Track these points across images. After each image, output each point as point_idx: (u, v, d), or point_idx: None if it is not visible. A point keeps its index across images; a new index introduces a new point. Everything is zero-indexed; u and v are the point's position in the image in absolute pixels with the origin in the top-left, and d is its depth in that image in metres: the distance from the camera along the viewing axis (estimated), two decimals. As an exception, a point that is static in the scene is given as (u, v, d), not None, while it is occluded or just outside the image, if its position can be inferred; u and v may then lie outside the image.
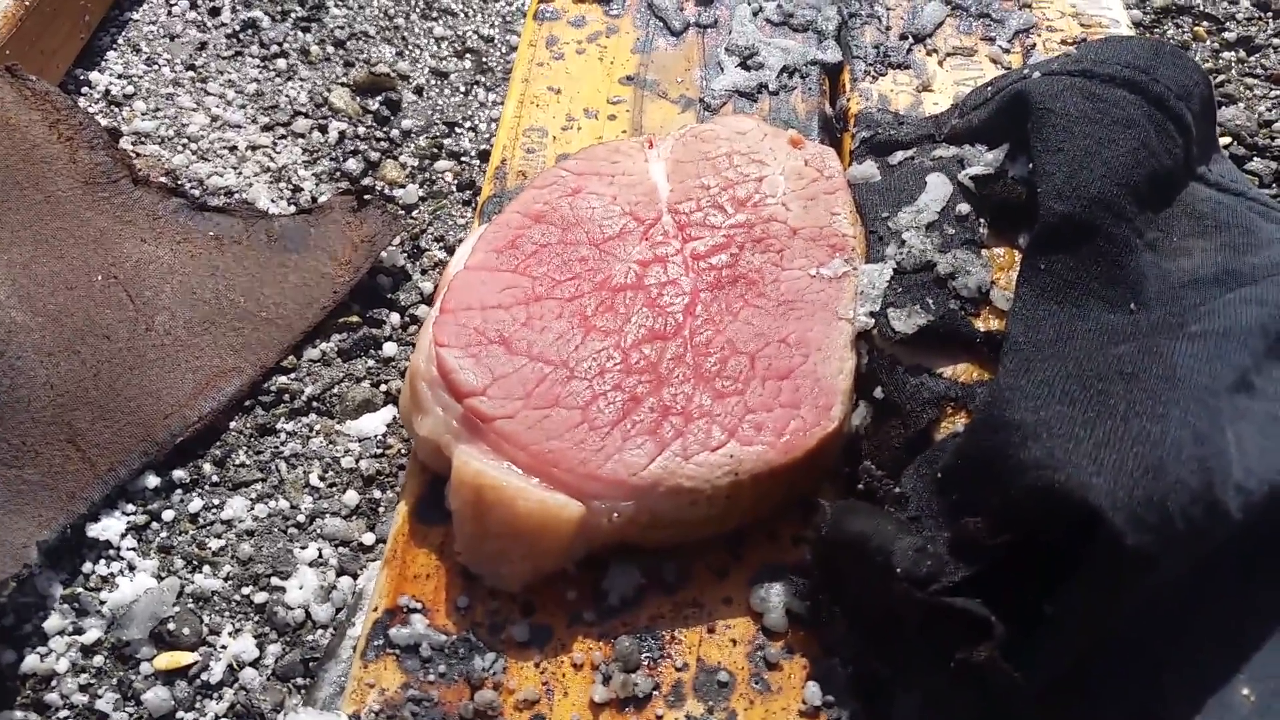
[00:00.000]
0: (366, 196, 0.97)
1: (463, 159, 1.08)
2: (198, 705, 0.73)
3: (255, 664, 0.74)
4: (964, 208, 0.75)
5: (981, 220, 0.74)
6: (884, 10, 1.01)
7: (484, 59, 1.19)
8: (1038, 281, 0.69)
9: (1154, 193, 0.73)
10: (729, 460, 0.63)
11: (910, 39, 0.97)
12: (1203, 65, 1.18)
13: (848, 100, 0.94)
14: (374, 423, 0.87)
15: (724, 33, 1.00)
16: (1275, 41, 1.24)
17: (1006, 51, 0.96)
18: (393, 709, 0.60)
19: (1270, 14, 1.27)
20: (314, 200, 1.03)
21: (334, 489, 0.84)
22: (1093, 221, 0.69)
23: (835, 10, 1.00)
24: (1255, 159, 1.12)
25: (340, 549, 0.80)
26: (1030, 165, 0.73)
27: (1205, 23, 1.27)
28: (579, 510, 0.62)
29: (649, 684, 0.61)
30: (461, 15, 1.24)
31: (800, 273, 0.73)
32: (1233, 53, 1.23)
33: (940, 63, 0.96)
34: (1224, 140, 1.12)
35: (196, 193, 1.03)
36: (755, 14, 1.01)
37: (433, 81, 1.17)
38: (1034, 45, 0.97)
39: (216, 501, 0.83)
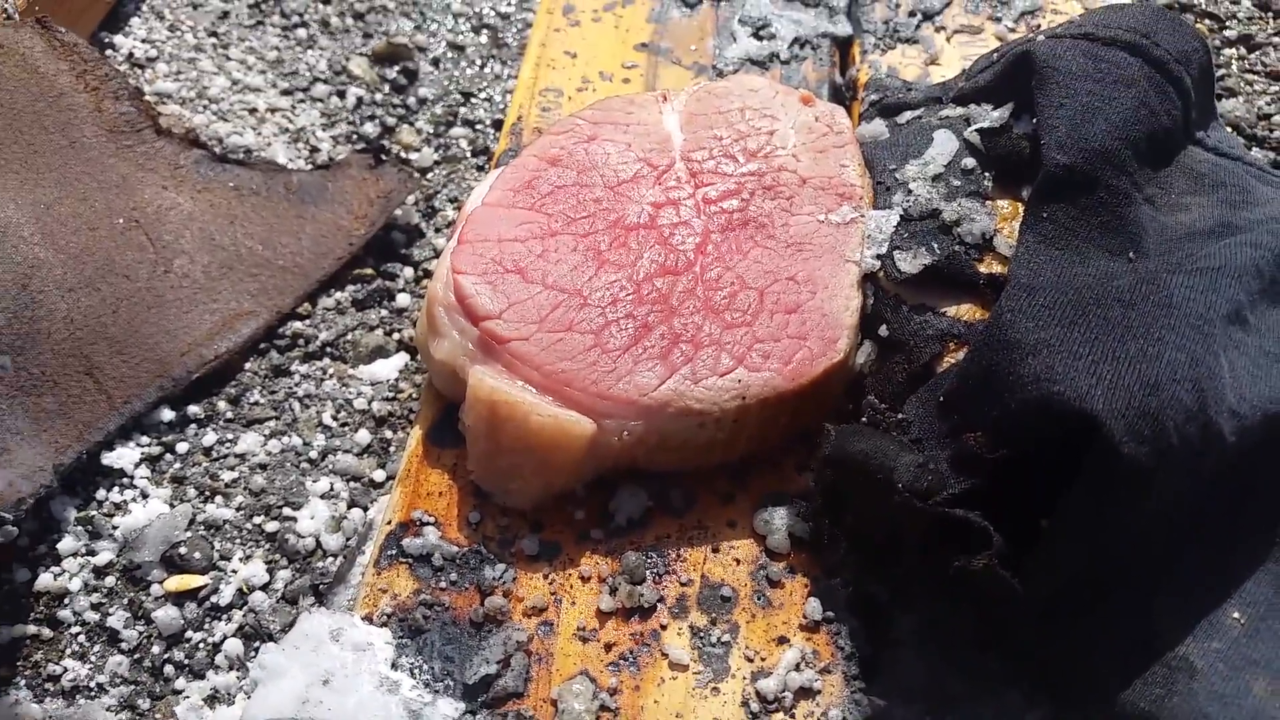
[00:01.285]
0: (383, 156, 0.99)
1: (477, 126, 1.10)
2: (206, 626, 0.74)
3: (265, 588, 0.76)
4: (969, 162, 0.77)
5: (987, 174, 0.76)
6: (894, -12, 1.03)
7: (500, 35, 1.21)
8: (1040, 229, 0.71)
9: (1153, 151, 0.75)
10: (737, 385, 0.65)
11: (919, 15, 1.00)
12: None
13: (857, 71, 0.96)
14: (386, 368, 0.89)
15: (737, 6, 1.02)
16: (1275, 40, 1.27)
17: (1012, 31, 0.99)
18: (404, 612, 0.61)
19: (1270, 13, 1.30)
20: (331, 159, 1.05)
21: (346, 428, 0.85)
22: (1094, 173, 0.71)
23: (846, -14, 1.03)
24: (1254, 149, 1.14)
25: (351, 484, 0.81)
26: (1034, 121, 0.75)
27: (1207, 20, 1.29)
28: (590, 427, 0.63)
29: (654, 595, 0.62)
30: (479, -9, 1.27)
31: (809, 218, 0.75)
32: (1233, 50, 1.26)
33: (948, 39, 0.98)
34: (1228, 128, 1.14)
35: (217, 149, 1.05)
36: (768, -11, 1.03)
37: (449, 54, 1.19)
38: (1039, 26, 0.99)
39: (230, 436, 0.84)
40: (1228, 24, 1.27)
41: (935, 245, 0.71)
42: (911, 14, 1.00)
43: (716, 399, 0.64)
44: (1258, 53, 1.24)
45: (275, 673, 0.58)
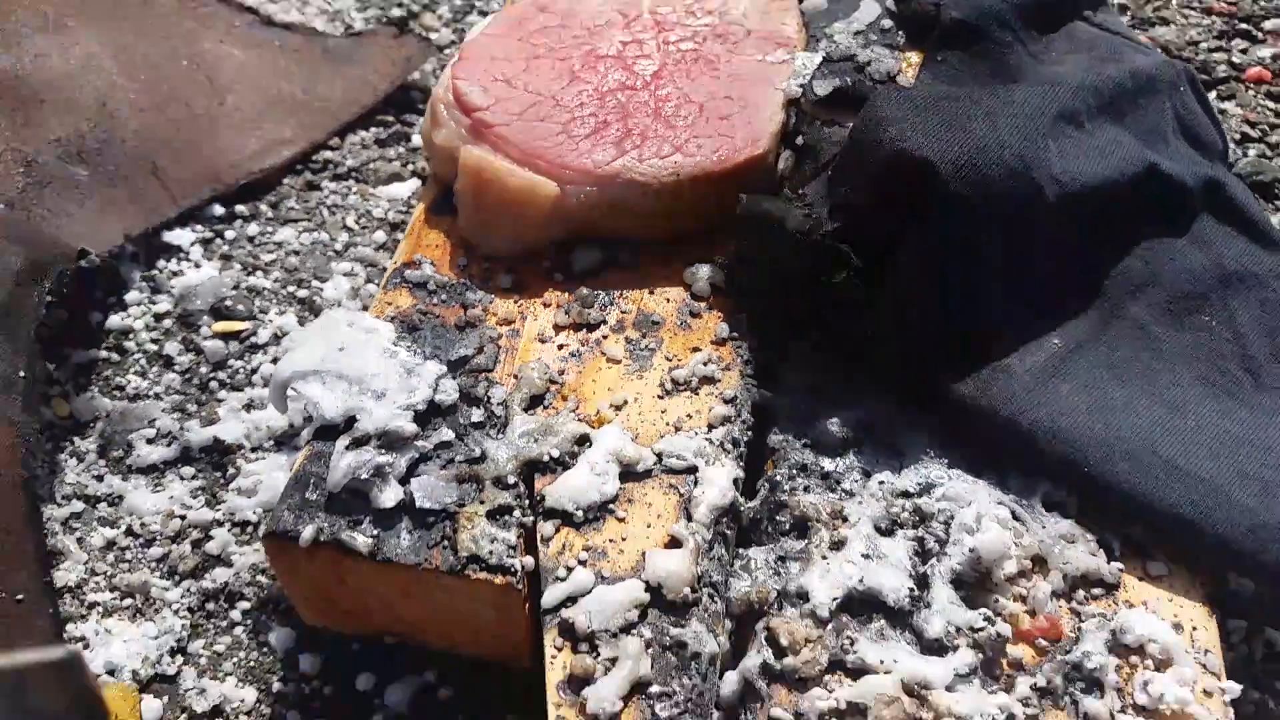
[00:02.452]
0: (406, 28, 1.18)
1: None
2: (245, 357, 0.92)
3: (300, 332, 0.93)
4: (887, 23, 0.95)
5: (900, 33, 0.94)
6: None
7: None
8: (934, 69, 0.89)
9: (1040, 17, 0.93)
10: (673, 164, 0.83)
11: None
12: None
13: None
14: (401, 189, 1.07)
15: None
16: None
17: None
18: (404, 316, 0.79)
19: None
20: (362, 31, 1.23)
21: (365, 230, 1.03)
22: (983, 26, 0.89)
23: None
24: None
25: (369, 268, 0.99)
26: (939, -12, 0.93)
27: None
28: (555, 189, 0.81)
29: (599, 316, 0.80)
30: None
31: (749, 58, 0.93)
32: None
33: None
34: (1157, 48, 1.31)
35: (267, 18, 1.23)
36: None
37: (471, -40, 1.38)
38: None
39: (270, 230, 1.02)
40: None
41: (848, 77, 0.89)
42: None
43: (656, 174, 0.82)
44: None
45: (301, 342, 0.75)
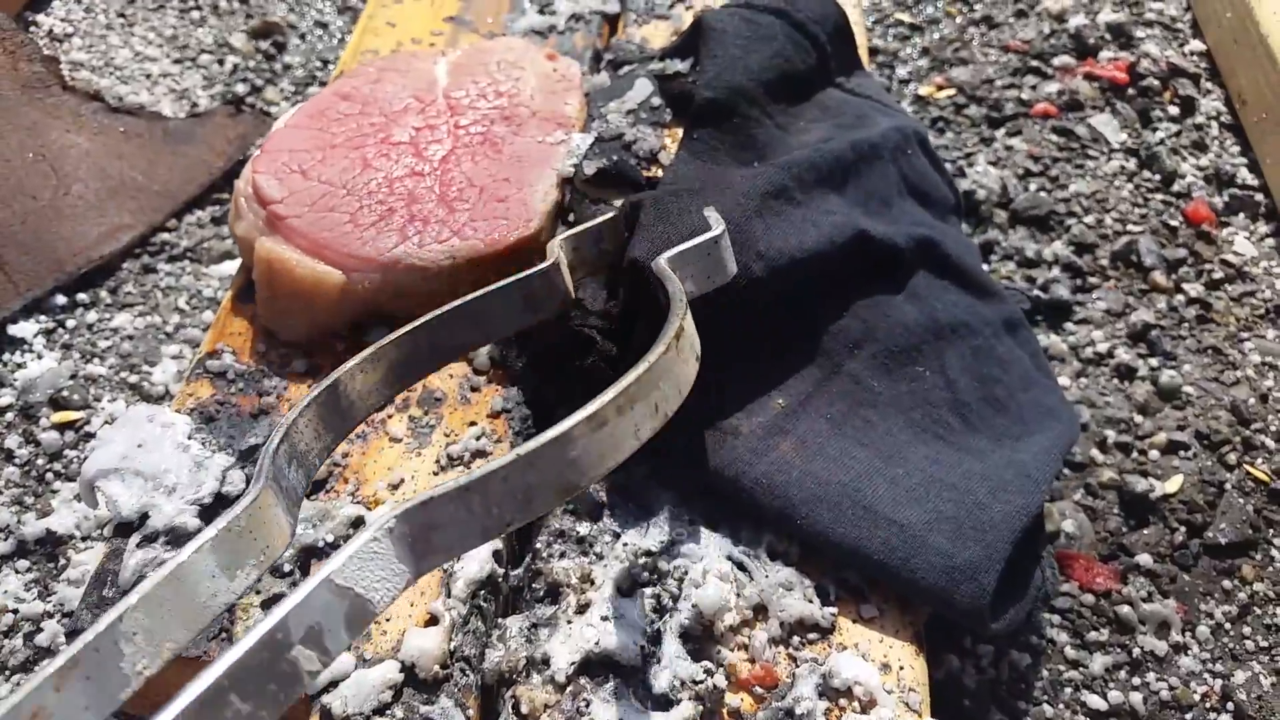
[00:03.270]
0: (243, 107, 1.25)
1: (331, 87, 1.36)
2: (80, 446, 0.99)
3: (125, 419, 1.00)
4: (657, 100, 1.02)
5: (668, 110, 1.02)
6: (659, -25, 1.29)
7: (358, 15, 1.47)
8: (690, 146, 0.96)
9: (787, 89, 1.01)
10: (449, 248, 0.90)
11: (675, -3, 1.26)
12: (949, 37, 1.47)
13: (616, 40, 1.22)
14: (231, 267, 1.14)
15: (531, -13, 1.28)
16: (1011, 20, 1.53)
17: (746, 6, 1.24)
18: (203, 407, 0.86)
19: (1007, -3, 1.56)
20: (204, 111, 1.30)
21: (195, 310, 1.10)
22: (732, 104, 0.97)
23: (622, -26, 1.29)
24: (971, 106, 1.40)
25: (195, 349, 1.06)
26: (697, 68, 1.01)
27: (958, 3, 1.56)
28: (341, 278, 0.88)
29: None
30: (346, -20, 1.52)
31: (530, 139, 1.00)
32: (977, 28, 1.52)
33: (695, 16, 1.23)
34: (949, 91, 1.40)
35: (116, 105, 1.30)
36: (560, -26, 1.29)
37: (315, 31, 1.44)
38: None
39: (108, 316, 1.09)
40: (975, 5, 1.53)
41: (614, 156, 0.97)
42: (669, -5, 1.26)
43: (435, 258, 0.89)
44: (995, 30, 1.50)
45: (106, 440, 0.82)
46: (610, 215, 0.84)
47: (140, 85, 1.34)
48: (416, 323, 0.71)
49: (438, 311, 0.71)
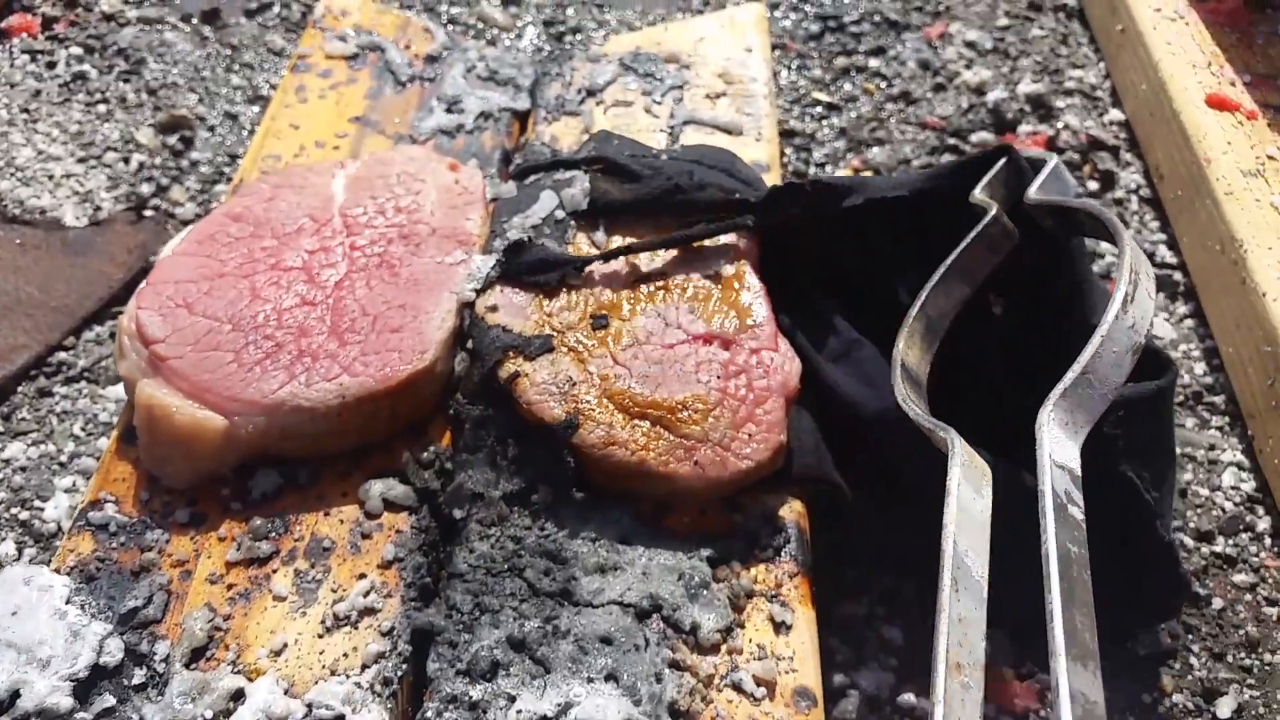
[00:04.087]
0: (145, 212, 1.21)
1: (240, 185, 1.32)
2: (-39, 591, 0.94)
3: (15, 562, 0.96)
4: (560, 214, 1.00)
5: (572, 223, 0.99)
6: (571, 71, 1.27)
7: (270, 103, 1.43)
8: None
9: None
10: (339, 387, 0.87)
11: (584, 93, 1.23)
12: (867, 115, 1.46)
13: (526, 139, 1.19)
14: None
15: (440, 85, 1.25)
16: (929, 95, 1.52)
17: (658, 104, 1.22)
18: (84, 564, 0.82)
19: (929, 73, 1.55)
20: (105, 217, 1.26)
21: (91, 437, 1.06)
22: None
23: (533, 70, 1.26)
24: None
25: (89, 480, 1.02)
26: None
27: (876, 80, 1.54)
28: (223, 423, 0.85)
29: (270, 549, 0.84)
30: (257, 68, 1.49)
31: (429, 260, 0.97)
32: (895, 105, 1.51)
33: (605, 112, 1.21)
34: (867, 172, 1.38)
35: (16, 211, 1.26)
36: (468, 70, 1.26)
37: (225, 122, 1.41)
38: (680, 99, 1.23)
39: (1, 446, 1.05)
40: (893, 82, 1.52)
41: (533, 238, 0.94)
42: (579, 91, 1.23)
43: (323, 398, 0.86)
44: (913, 106, 1.48)
45: (-24, 608, 0.78)
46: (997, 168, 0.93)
47: (43, 187, 1.30)
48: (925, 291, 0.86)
49: (934, 278, 0.86)
